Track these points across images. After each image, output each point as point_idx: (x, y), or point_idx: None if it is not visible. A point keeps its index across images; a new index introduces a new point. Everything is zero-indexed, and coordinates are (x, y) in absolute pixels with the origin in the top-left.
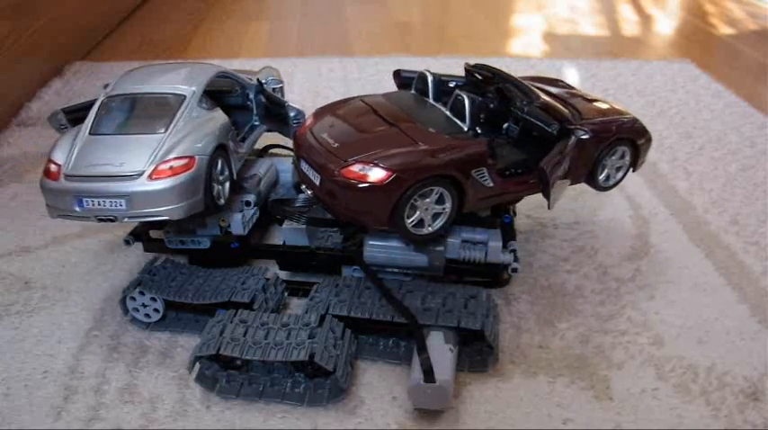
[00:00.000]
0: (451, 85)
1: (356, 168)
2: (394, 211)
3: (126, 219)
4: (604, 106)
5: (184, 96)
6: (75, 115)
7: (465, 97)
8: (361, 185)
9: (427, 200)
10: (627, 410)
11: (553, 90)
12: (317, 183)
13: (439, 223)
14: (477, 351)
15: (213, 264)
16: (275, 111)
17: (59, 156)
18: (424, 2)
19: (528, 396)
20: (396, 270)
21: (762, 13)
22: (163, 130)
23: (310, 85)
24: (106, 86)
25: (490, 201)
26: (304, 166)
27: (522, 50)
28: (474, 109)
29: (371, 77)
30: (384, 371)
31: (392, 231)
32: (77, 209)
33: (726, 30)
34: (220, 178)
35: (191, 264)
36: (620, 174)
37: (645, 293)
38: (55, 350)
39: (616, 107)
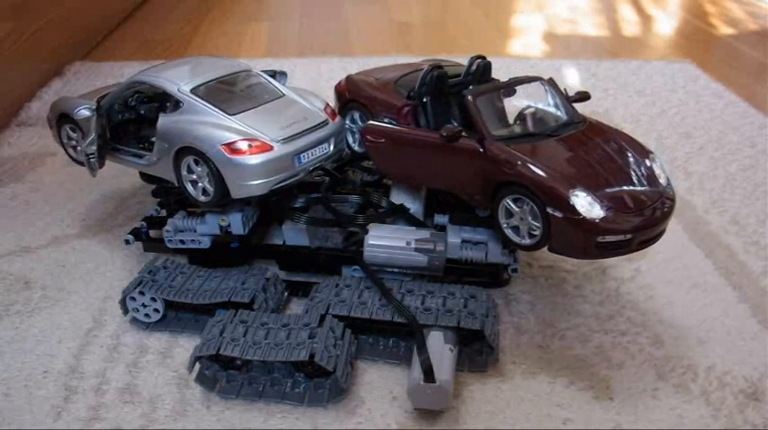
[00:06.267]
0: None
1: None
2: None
3: (327, 162)
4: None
5: (251, 70)
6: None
7: (423, 71)
8: (336, 91)
9: (358, 122)
10: (627, 410)
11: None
12: None
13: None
14: (478, 351)
15: (213, 264)
16: None
17: (244, 134)
18: (424, 2)
19: (528, 396)
20: (396, 270)
21: (762, 13)
22: (279, 94)
23: (311, 85)
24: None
25: None
26: None
27: (522, 50)
28: (424, 80)
29: None
30: (384, 371)
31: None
32: (297, 166)
33: (726, 30)
34: None
35: (191, 264)
36: (529, 240)
37: (645, 293)
38: (55, 350)
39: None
